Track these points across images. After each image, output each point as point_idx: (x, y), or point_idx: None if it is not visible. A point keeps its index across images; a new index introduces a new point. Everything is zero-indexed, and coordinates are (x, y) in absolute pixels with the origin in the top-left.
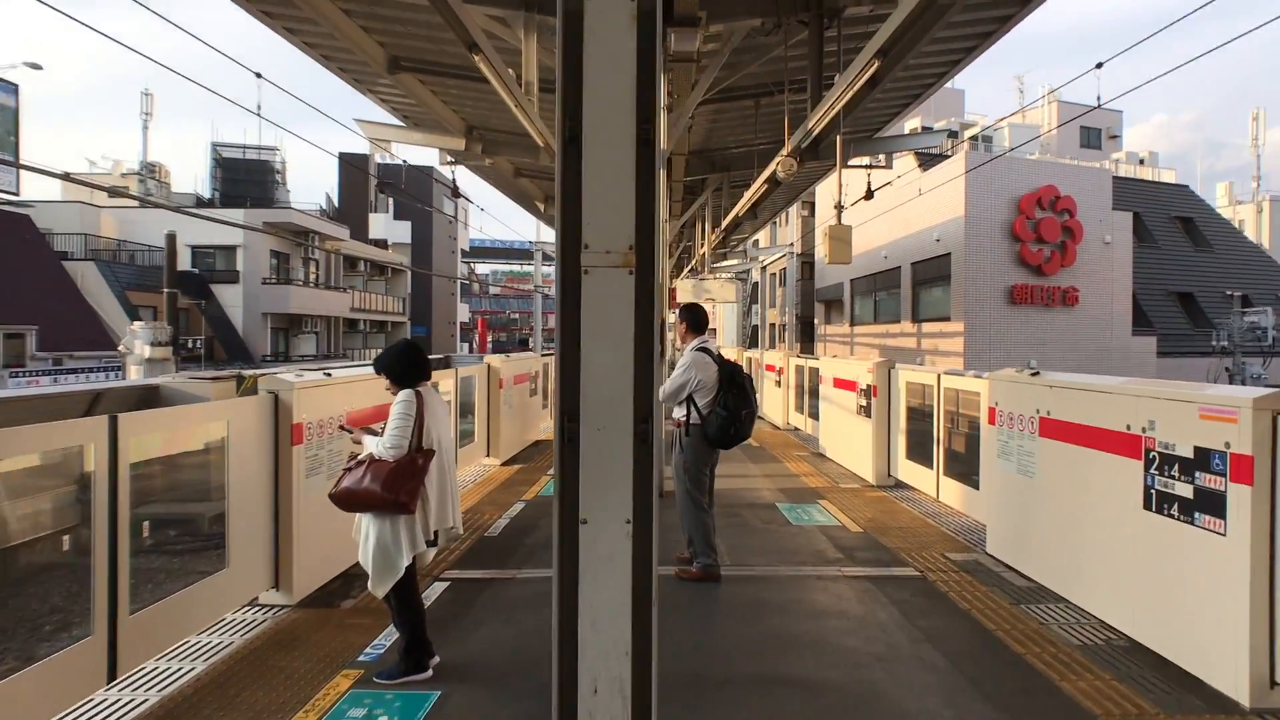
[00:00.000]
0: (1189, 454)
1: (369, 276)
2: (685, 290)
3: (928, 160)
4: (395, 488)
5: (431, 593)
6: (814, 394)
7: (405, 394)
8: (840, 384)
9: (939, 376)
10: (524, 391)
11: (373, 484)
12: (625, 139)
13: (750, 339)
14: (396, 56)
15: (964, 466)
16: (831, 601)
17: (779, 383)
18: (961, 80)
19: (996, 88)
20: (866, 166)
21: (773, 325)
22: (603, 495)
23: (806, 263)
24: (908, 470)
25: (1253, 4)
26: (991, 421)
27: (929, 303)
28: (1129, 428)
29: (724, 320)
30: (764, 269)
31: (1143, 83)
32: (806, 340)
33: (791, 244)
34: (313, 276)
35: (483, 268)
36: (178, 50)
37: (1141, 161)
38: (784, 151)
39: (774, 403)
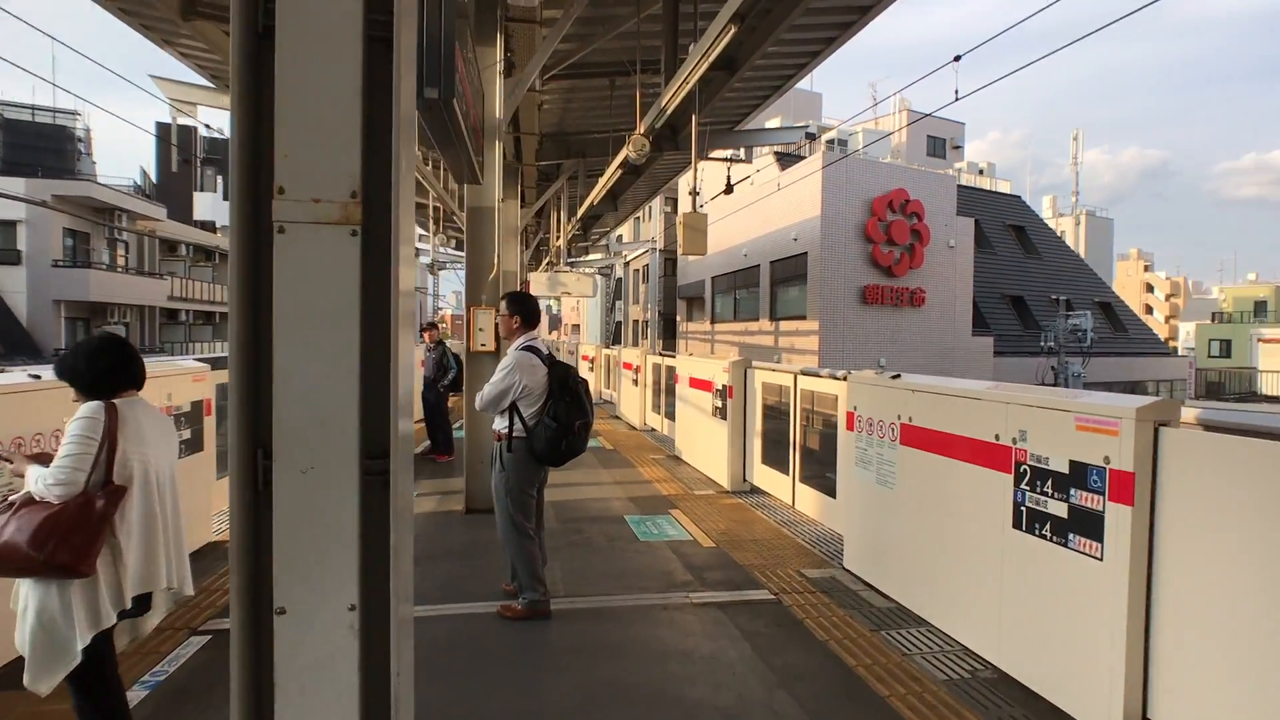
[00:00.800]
0: (1063, 469)
1: (192, 262)
2: (540, 283)
3: (786, 160)
4: (46, 542)
5: (184, 651)
6: (671, 393)
7: (90, 408)
8: (696, 384)
9: (795, 377)
10: None
11: (16, 536)
12: (346, 32)
13: (614, 336)
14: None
15: (821, 473)
16: (676, 638)
17: (636, 381)
18: (820, 85)
19: (853, 94)
20: (726, 159)
21: (636, 322)
22: (310, 570)
23: (669, 259)
24: (763, 476)
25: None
26: (850, 427)
27: (786, 301)
28: (998, 438)
29: (587, 316)
30: (627, 265)
31: (971, 91)
32: (669, 337)
33: (654, 239)
34: (121, 260)
35: None
36: None
37: (980, 172)
38: (637, 130)
39: (631, 402)
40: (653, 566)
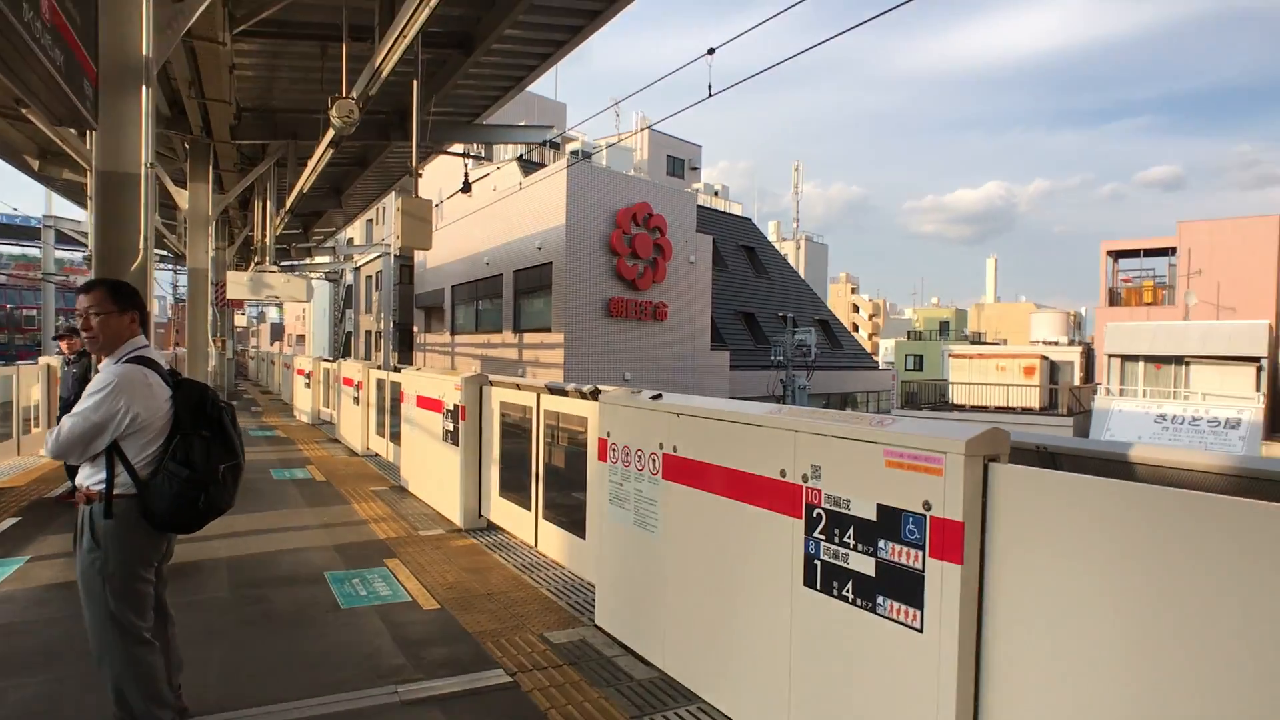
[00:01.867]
0: (869, 514)
1: None
2: (238, 284)
3: (531, 167)
4: None
5: None
6: (398, 413)
7: None
8: (424, 403)
9: (538, 395)
10: None
11: None
12: None
13: (344, 348)
14: None
15: (568, 509)
16: None
17: (357, 400)
18: (566, 101)
19: (601, 119)
20: (464, 155)
21: (369, 333)
22: None
23: (406, 265)
24: (502, 511)
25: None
26: (602, 456)
27: (531, 313)
28: (784, 474)
29: (313, 327)
30: (358, 270)
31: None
32: (406, 349)
33: (388, 243)
34: None
35: None
36: None
37: (715, 193)
38: (345, 94)
39: (352, 424)
40: (354, 646)
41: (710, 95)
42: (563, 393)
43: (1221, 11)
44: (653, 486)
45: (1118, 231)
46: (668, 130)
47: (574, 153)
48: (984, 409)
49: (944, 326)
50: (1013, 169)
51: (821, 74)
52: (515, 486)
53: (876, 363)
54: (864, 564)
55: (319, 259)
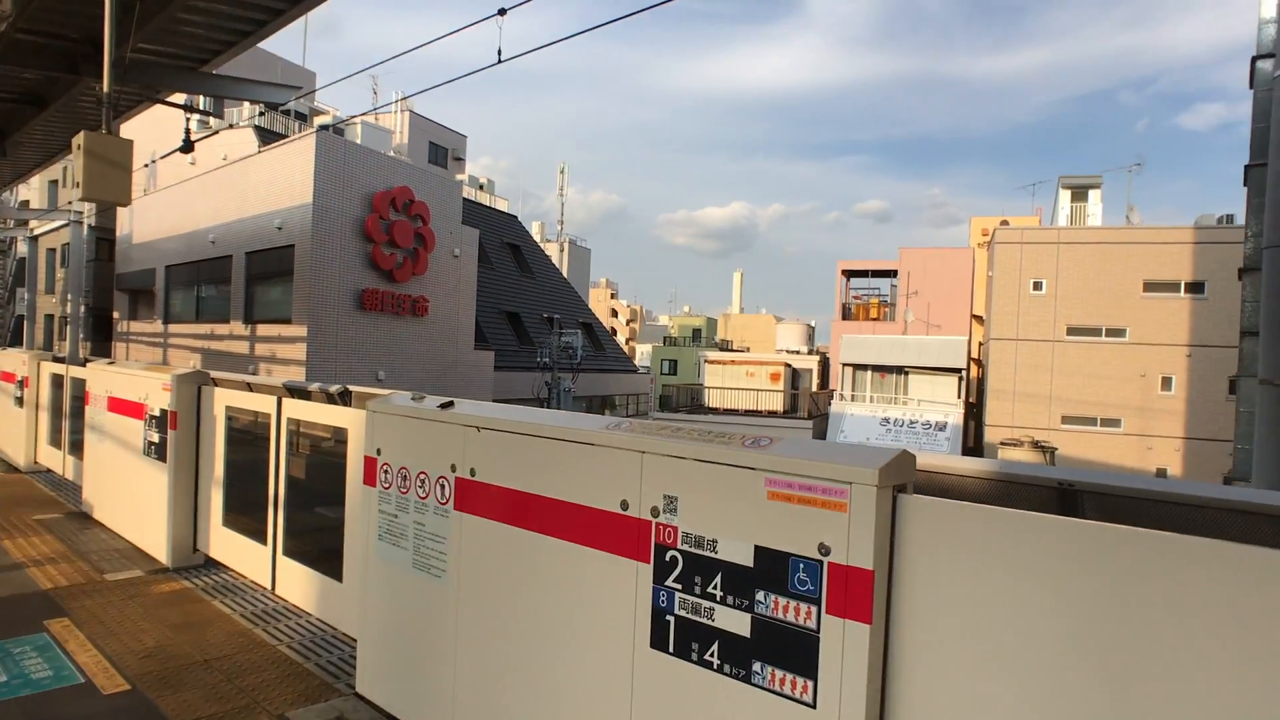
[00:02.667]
0: (744, 559)
1: None
2: None
3: (270, 137)
4: None
5: None
6: (81, 418)
7: None
8: (120, 406)
9: (280, 400)
10: None
11: None
12: None
13: (11, 333)
14: None
15: (320, 542)
16: None
17: (20, 400)
18: (314, 66)
19: (351, 86)
20: (186, 107)
21: (51, 317)
22: None
23: (105, 239)
24: (227, 545)
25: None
26: (370, 480)
27: (267, 302)
28: (626, 506)
29: None
30: (35, 240)
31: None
32: (102, 339)
33: (81, 211)
34: None
35: None
36: None
37: (481, 187)
38: None
39: (13, 430)
40: None
41: (500, 61)
42: (305, 395)
43: (923, 74)
44: (440, 520)
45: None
46: (432, 116)
47: (324, 127)
48: (735, 412)
49: (696, 334)
50: (755, 192)
51: (587, 84)
52: (247, 514)
53: (636, 366)
54: (735, 621)
55: None
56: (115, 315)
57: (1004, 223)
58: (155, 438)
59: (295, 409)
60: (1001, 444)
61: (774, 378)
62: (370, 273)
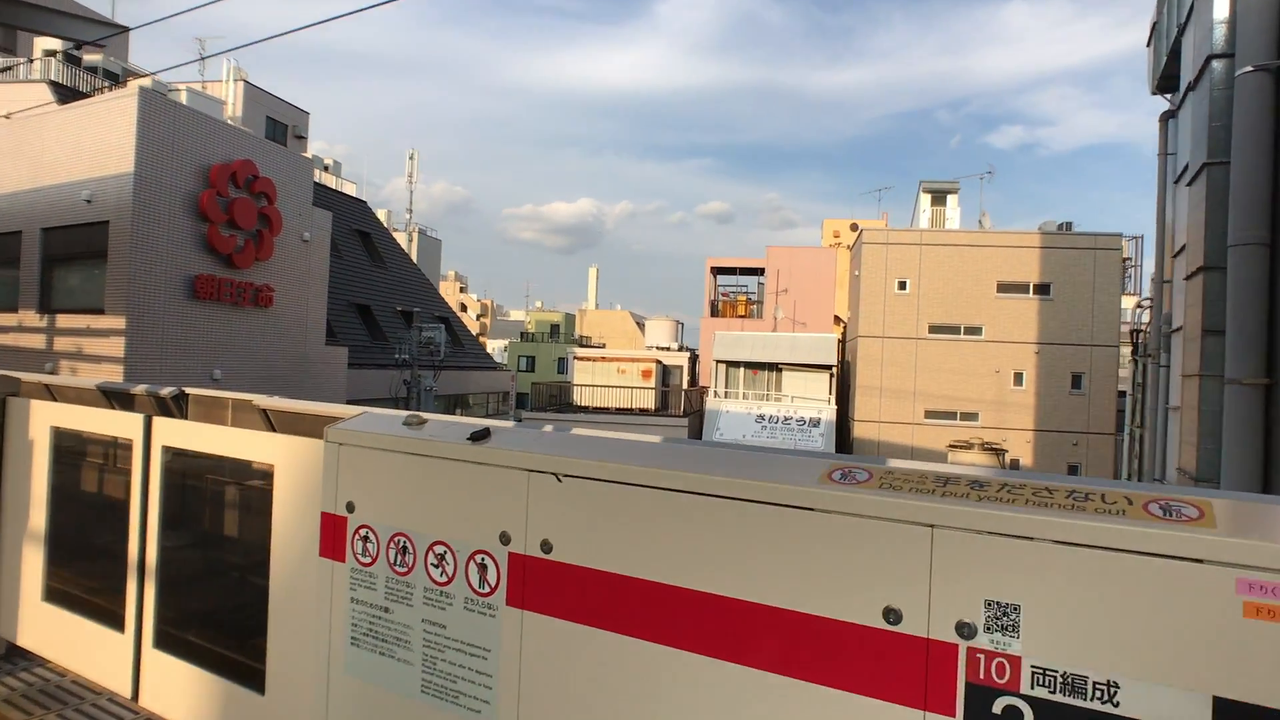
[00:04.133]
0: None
1: None
2: None
3: (68, 95)
4: None
5: None
6: None
7: None
8: None
9: (150, 420)
10: None
11: None
12: None
13: None
14: None
15: (220, 631)
16: None
17: None
18: (126, 22)
19: (176, 52)
20: None
21: None
22: None
23: None
24: (52, 629)
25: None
26: (335, 551)
27: (70, 287)
28: (896, 619)
29: None
30: None
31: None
32: None
33: None
34: None
35: None
36: None
37: (326, 168)
38: None
39: None
40: None
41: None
42: (178, 411)
43: (763, 83)
44: (480, 621)
45: (685, 252)
46: (270, 89)
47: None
48: (606, 410)
49: (554, 329)
50: (604, 189)
51: (430, 72)
52: (88, 586)
53: (496, 363)
54: None
55: None
56: None
57: (854, 226)
58: None
59: (168, 433)
60: (950, 446)
61: (645, 374)
62: (205, 256)
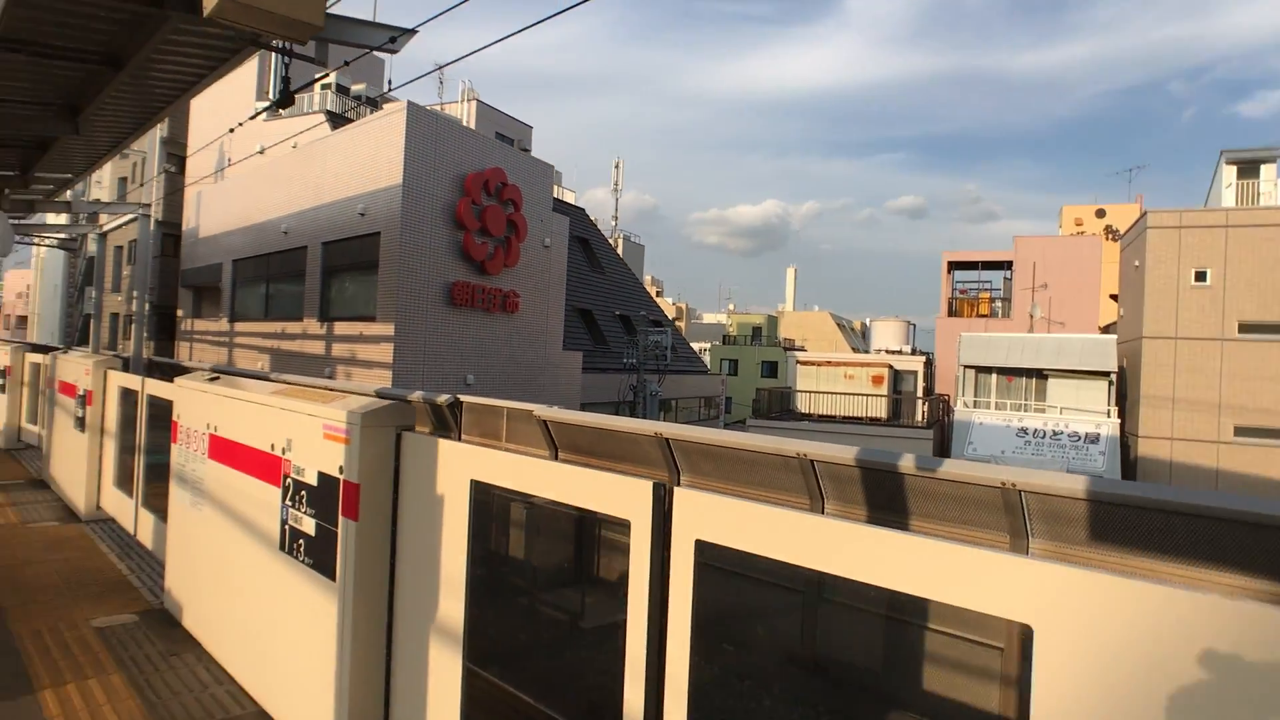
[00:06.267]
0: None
1: None
2: None
3: (340, 121)
4: None
5: None
6: (159, 458)
7: None
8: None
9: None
10: None
11: None
12: None
13: (80, 333)
14: None
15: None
16: None
17: (83, 422)
18: (383, 56)
19: (418, 85)
20: (282, 50)
21: (116, 316)
22: None
23: (171, 235)
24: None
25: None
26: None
27: (346, 297)
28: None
29: (39, 304)
30: (104, 238)
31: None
32: (165, 339)
33: (147, 205)
34: None
35: None
36: None
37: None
38: None
39: (74, 464)
40: None
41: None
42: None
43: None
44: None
45: (875, 251)
46: (498, 106)
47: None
48: (831, 418)
49: (756, 332)
50: (789, 190)
51: (621, 87)
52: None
53: (705, 367)
54: None
55: (51, 219)
56: (179, 313)
57: (1099, 212)
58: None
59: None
60: None
61: (876, 380)
62: (460, 264)
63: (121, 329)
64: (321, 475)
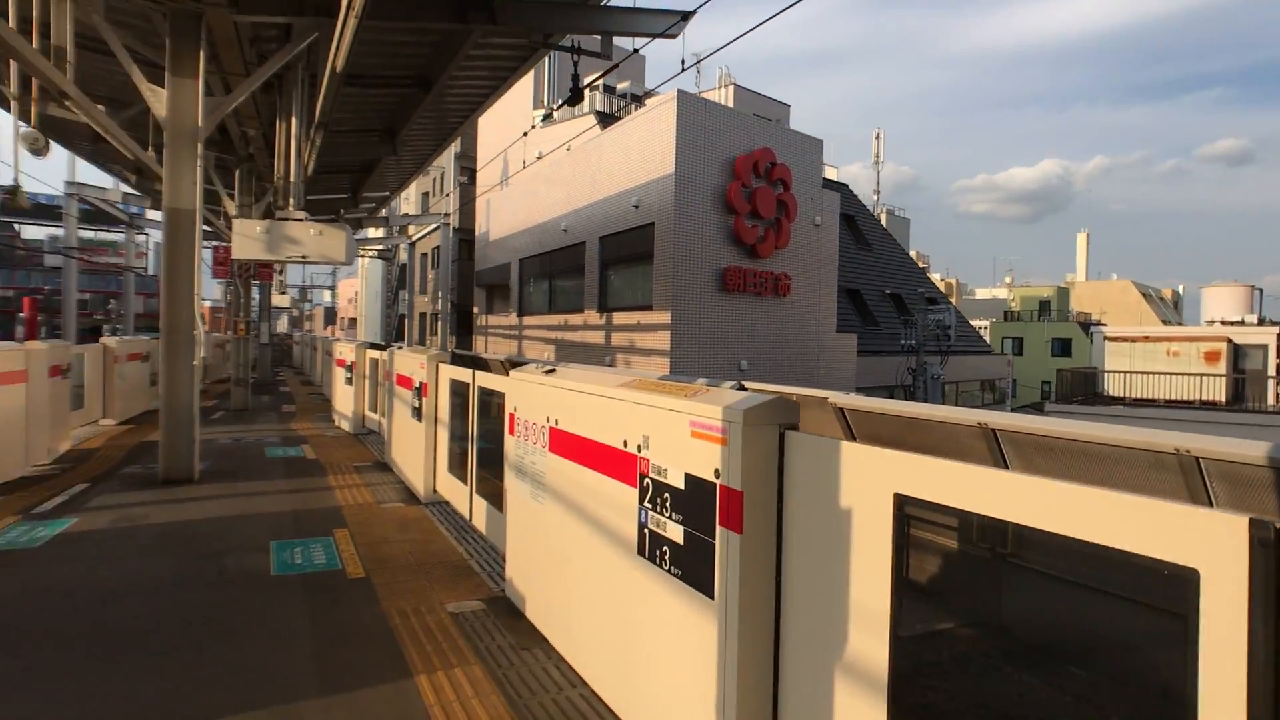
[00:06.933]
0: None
1: None
2: (248, 237)
3: (608, 120)
4: None
5: None
6: (491, 442)
7: None
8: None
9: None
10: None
11: None
12: None
13: (396, 331)
14: None
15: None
16: None
17: (418, 412)
18: (624, 58)
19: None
20: (574, 49)
21: (424, 315)
22: None
23: (466, 239)
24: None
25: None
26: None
27: (624, 288)
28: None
29: (364, 308)
30: (413, 247)
31: None
32: (464, 333)
33: (447, 215)
34: None
35: (39, 231)
36: None
37: None
38: None
39: (413, 451)
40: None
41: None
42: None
43: None
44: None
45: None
46: (754, 88)
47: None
48: (1150, 403)
49: (1044, 306)
50: (1071, 146)
51: (867, 58)
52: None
53: (987, 346)
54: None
55: (371, 233)
56: (475, 310)
57: None
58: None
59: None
60: None
61: (1210, 357)
62: (731, 248)
63: (428, 326)
64: (690, 478)
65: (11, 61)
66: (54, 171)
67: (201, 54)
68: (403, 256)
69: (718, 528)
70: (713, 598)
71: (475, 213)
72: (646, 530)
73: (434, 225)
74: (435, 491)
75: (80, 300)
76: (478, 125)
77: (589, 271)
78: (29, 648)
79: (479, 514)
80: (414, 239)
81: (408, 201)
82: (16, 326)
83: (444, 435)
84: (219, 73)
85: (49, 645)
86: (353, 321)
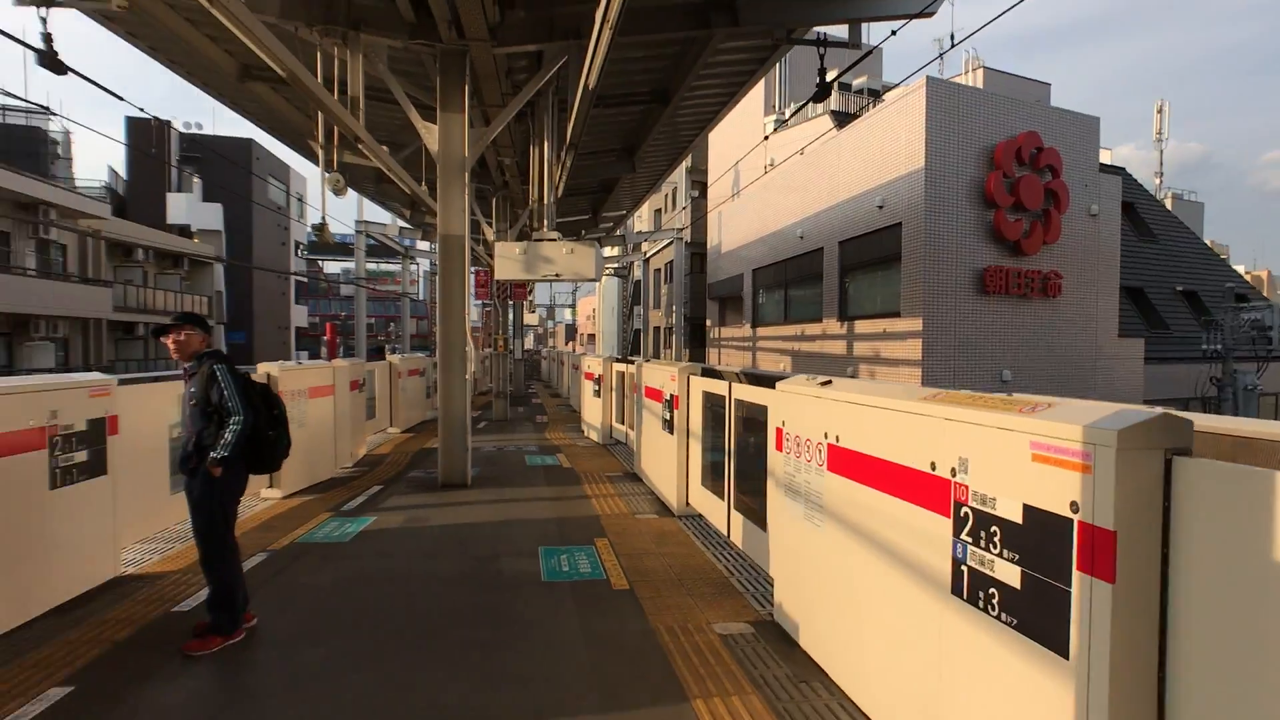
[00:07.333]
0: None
1: (159, 269)
2: (509, 258)
3: (844, 119)
4: None
5: None
6: (750, 458)
7: None
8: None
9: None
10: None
11: None
12: None
13: (632, 346)
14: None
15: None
16: None
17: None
18: (881, 41)
19: (916, 53)
20: (819, 42)
21: (658, 329)
22: None
23: (697, 253)
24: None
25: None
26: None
27: (866, 294)
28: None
29: (602, 324)
30: (647, 263)
31: None
32: (697, 346)
33: (680, 229)
34: (59, 265)
35: (335, 266)
36: None
37: None
38: None
39: (664, 464)
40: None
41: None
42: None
43: None
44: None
45: None
46: (1009, 69)
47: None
48: None
49: None
50: None
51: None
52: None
53: None
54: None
55: (608, 252)
56: (708, 323)
57: None
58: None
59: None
60: None
61: None
62: (991, 246)
63: (662, 340)
64: (1030, 510)
65: (320, 115)
66: (341, 214)
67: (466, 88)
68: (637, 273)
69: (1076, 573)
70: (1068, 657)
71: (707, 225)
72: (965, 567)
73: (667, 240)
74: (688, 504)
75: (366, 324)
76: (708, 139)
77: (827, 278)
78: (350, 631)
79: (736, 530)
80: (647, 255)
81: (640, 219)
82: (321, 348)
83: (696, 448)
84: (480, 106)
85: (367, 628)
86: (590, 337)
